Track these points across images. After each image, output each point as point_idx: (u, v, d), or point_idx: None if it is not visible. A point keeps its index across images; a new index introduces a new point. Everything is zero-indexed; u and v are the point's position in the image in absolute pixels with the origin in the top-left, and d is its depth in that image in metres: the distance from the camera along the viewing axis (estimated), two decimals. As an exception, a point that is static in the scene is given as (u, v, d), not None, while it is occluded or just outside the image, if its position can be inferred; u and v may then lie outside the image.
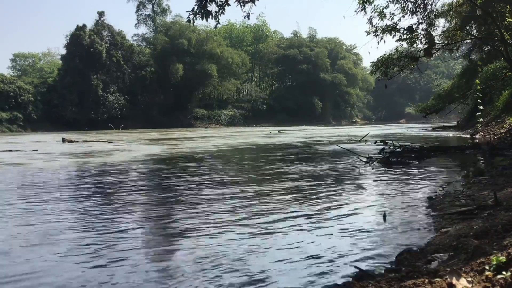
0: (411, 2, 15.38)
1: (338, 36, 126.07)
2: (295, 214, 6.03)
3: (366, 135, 23.49)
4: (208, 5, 8.53)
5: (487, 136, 19.61)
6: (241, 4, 8.35)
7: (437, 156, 13.18)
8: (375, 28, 15.46)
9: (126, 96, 65.86)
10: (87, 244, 4.76)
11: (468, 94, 26.13)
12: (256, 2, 8.49)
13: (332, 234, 4.95)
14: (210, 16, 8.52)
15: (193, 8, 8.63)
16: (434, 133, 30.19)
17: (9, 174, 11.91)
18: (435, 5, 15.96)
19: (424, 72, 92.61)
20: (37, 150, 19.79)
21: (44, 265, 4.13)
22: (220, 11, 8.55)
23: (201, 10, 8.52)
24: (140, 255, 4.39)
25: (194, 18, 8.72)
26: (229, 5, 8.55)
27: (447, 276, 2.73)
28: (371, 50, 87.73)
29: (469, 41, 24.06)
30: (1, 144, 23.50)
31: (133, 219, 6.06)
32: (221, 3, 8.50)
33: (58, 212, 6.48)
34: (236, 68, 77.13)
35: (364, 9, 15.18)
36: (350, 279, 3.42)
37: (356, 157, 12.89)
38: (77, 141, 27.14)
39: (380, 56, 15.88)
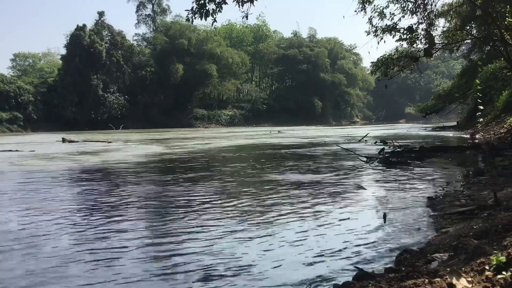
0: (411, 2, 15.35)
1: (338, 36, 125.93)
2: (295, 213, 6.02)
3: (366, 135, 23.47)
4: (207, 4, 8.55)
5: (487, 136, 19.60)
6: (239, 4, 8.36)
7: (437, 156, 13.17)
8: (375, 28, 15.45)
9: (126, 96, 65.81)
10: (84, 243, 4.76)
11: (468, 94, 26.13)
12: (255, 2, 8.51)
13: (332, 234, 4.94)
14: (208, 15, 8.55)
15: (192, 8, 8.68)
16: (434, 133, 30.17)
17: (9, 174, 11.89)
18: (435, 5, 15.92)
19: (424, 72, 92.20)
20: (34, 150, 19.76)
21: (41, 270, 4.13)
22: (218, 9, 8.57)
23: (200, 9, 8.55)
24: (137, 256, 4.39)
25: (193, 17, 8.76)
26: (226, 3, 8.57)
27: (447, 276, 2.72)
28: (371, 50, 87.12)
29: (469, 41, 24.04)
30: (0, 145, 23.46)
31: (130, 225, 6.06)
32: (218, 1, 8.52)
33: (55, 213, 6.47)
34: (236, 68, 77.10)
35: (364, 9, 15.17)
36: (350, 279, 3.42)
37: (356, 157, 12.88)
38: (77, 141, 27.13)
39: (380, 56, 15.88)
